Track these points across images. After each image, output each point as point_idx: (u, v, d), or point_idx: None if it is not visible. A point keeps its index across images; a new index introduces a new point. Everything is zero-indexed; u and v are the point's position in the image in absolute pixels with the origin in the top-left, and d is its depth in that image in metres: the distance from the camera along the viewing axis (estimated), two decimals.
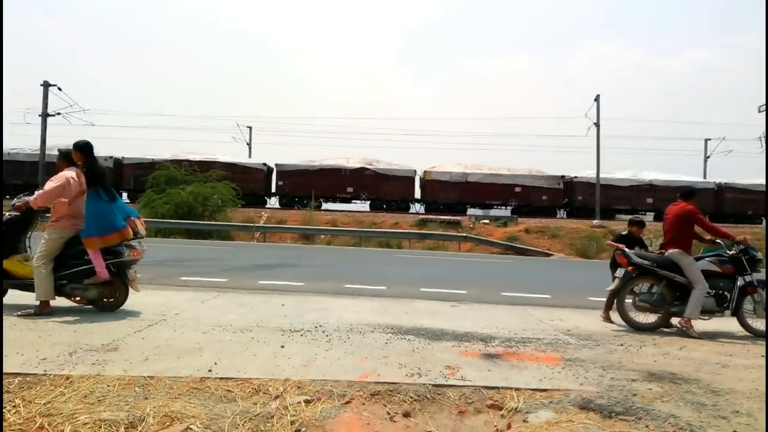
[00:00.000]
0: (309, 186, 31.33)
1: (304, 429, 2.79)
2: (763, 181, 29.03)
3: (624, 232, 7.03)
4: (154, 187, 25.63)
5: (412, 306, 6.91)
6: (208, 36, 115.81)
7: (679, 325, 5.85)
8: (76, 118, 31.77)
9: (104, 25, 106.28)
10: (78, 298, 5.44)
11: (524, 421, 3.04)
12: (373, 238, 22.79)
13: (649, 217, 30.78)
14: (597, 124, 29.95)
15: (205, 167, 29.44)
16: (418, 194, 33.48)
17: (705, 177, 37.32)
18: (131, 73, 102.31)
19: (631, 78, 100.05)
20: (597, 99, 30.03)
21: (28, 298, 5.39)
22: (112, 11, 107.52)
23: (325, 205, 31.95)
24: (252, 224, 23.74)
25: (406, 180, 32.62)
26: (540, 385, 3.63)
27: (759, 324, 5.87)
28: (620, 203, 31.70)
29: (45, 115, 30.95)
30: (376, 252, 19.31)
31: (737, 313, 5.90)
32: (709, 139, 40.34)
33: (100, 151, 28.94)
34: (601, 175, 30.27)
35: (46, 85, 30.98)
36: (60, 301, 5.47)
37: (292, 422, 2.85)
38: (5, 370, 3.44)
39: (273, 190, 33.19)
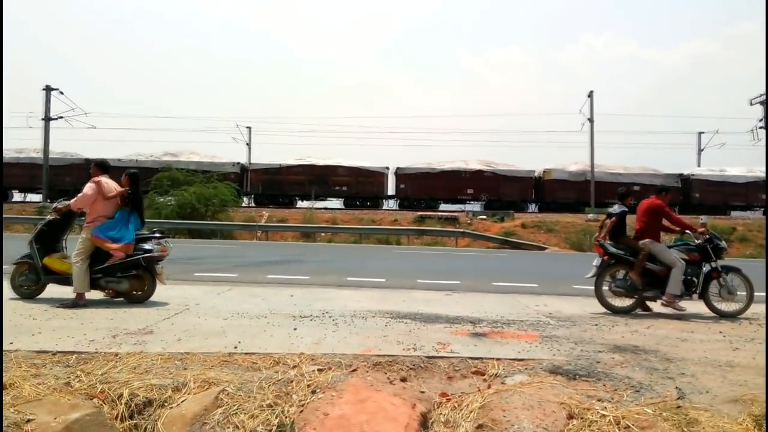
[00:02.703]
0: (430, 188, 32.25)
1: (318, 390, 3.39)
2: None
3: (618, 209, 6.91)
4: (157, 188, 26.14)
5: (409, 295, 7.52)
6: (208, 36, 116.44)
7: (663, 302, 6.44)
8: (78, 121, 32.35)
9: (103, 26, 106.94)
10: (110, 291, 6.05)
11: (502, 383, 3.65)
12: (373, 235, 23.37)
13: (758, 213, 31.60)
14: (591, 120, 30.61)
15: (329, 171, 31.45)
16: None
17: None
18: (129, 75, 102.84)
19: (625, 71, 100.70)
20: (590, 95, 30.69)
21: (63, 292, 6.01)
22: (111, 11, 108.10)
23: (443, 206, 32.74)
24: (254, 223, 24.35)
25: (525, 180, 32.91)
26: (518, 355, 4.24)
27: (723, 306, 6.50)
28: (736, 200, 31.53)
29: (47, 119, 31.56)
30: (375, 248, 19.91)
31: (704, 296, 6.53)
32: (703, 132, 40.87)
33: (101, 153, 29.60)
34: (717, 172, 32.11)
35: (48, 89, 31.62)
36: (92, 295, 6.07)
37: (309, 385, 3.45)
38: (60, 349, 4.06)
39: (390, 192, 33.70)
